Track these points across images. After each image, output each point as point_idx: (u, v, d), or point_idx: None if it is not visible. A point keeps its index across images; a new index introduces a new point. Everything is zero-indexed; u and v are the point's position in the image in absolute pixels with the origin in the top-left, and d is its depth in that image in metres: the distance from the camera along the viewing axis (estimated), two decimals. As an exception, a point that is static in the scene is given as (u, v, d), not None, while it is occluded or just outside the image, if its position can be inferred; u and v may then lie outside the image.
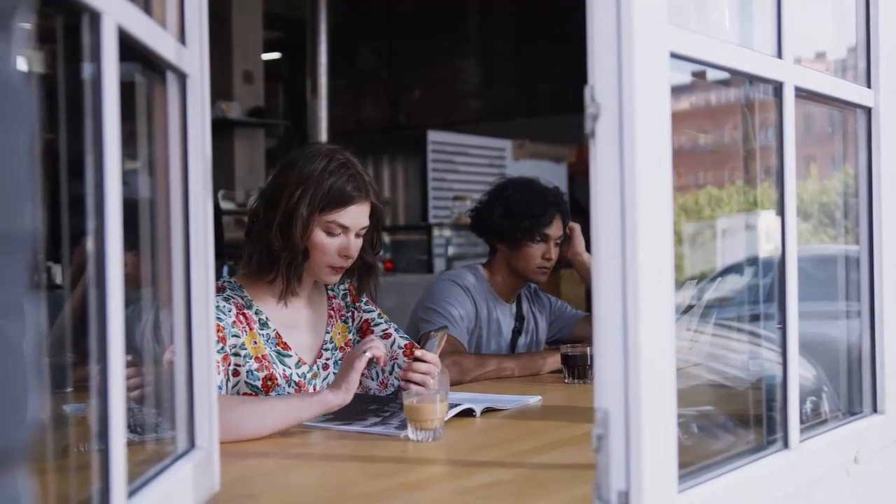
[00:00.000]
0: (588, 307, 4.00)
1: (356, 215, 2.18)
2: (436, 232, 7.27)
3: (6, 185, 0.56)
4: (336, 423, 1.99)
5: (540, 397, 2.36)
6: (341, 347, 2.33)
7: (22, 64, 0.59)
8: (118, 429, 1.01)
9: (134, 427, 1.33)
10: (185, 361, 1.36)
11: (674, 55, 1.24)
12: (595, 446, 1.17)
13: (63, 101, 1.07)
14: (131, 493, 1.09)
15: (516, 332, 3.11)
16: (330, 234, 2.16)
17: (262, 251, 2.18)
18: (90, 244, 1.00)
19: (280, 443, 1.87)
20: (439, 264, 7.13)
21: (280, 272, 2.18)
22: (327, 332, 2.32)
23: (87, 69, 1.01)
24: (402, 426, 1.90)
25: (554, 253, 2.99)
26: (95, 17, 0.98)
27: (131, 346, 1.09)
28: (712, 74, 1.54)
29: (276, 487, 1.59)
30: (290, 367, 2.20)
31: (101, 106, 0.99)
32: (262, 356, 2.16)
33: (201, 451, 1.37)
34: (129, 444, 1.06)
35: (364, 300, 2.41)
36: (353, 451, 1.80)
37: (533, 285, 3.18)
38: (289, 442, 1.88)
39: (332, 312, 2.35)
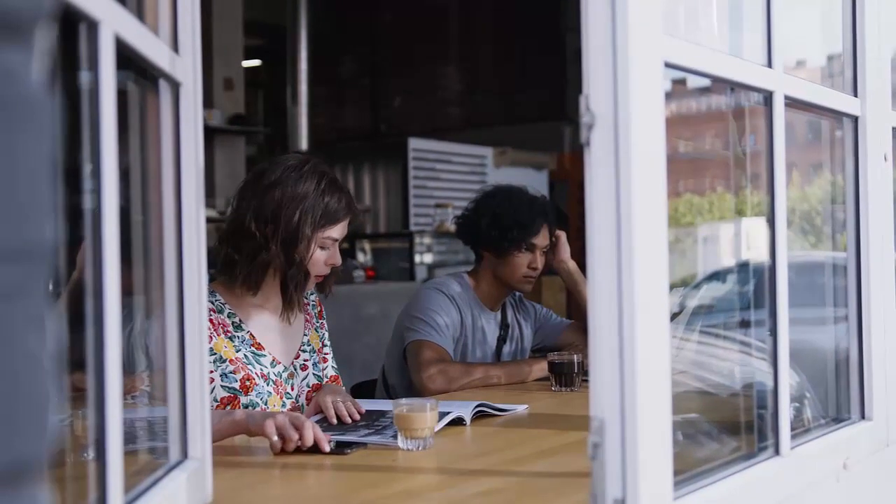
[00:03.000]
0: (570, 314, 4.01)
1: (344, 227, 2.31)
2: (417, 239, 7.25)
3: (28, 197, 0.56)
4: (330, 433, 1.98)
5: (527, 406, 2.36)
6: (318, 350, 2.42)
7: (42, 75, 0.59)
8: (115, 439, 1.01)
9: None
10: (177, 372, 1.35)
11: (668, 65, 1.24)
12: (591, 454, 1.17)
13: (58, 108, 1.06)
14: (127, 505, 1.08)
15: (501, 340, 3.11)
16: (323, 248, 2.27)
17: (260, 268, 2.23)
18: (87, 253, 0.99)
19: (272, 453, 1.86)
20: (421, 272, 7.12)
21: (286, 291, 2.26)
22: (305, 335, 2.40)
23: (83, 77, 1.00)
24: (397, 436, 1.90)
25: (540, 262, 3.00)
26: (93, 26, 0.98)
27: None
28: (692, 82, 1.55)
29: (268, 498, 1.58)
30: (266, 367, 2.25)
31: (98, 114, 0.99)
32: (236, 358, 2.21)
33: (194, 462, 1.36)
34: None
35: (324, 318, 2.52)
36: (344, 460, 1.79)
37: (518, 293, 3.18)
38: (280, 453, 1.87)
39: (307, 317, 2.43)
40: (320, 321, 2.49)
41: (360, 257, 7.26)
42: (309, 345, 2.40)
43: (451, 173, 8.04)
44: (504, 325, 3.13)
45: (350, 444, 1.86)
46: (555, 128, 8.63)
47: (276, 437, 1.79)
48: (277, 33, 8.51)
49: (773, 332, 1.53)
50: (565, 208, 7.32)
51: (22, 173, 0.55)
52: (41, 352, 0.57)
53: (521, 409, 2.34)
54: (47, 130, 0.58)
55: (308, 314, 2.44)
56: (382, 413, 2.17)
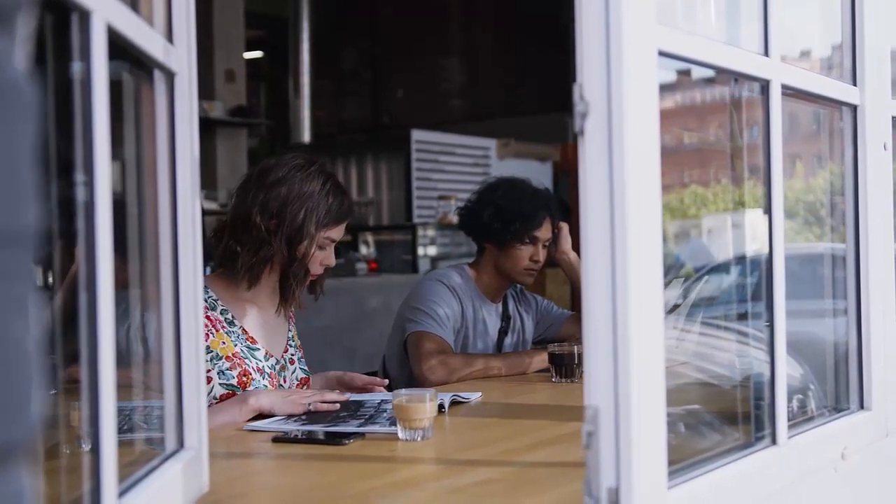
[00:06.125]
0: (573, 306, 4.01)
1: (342, 230, 2.36)
2: (420, 232, 7.25)
3: (11, 183, 0.56)
4: (324, 426, 1.98)
5: (480, 394, 2.37)
6: (300, 346, 2.48)
7: (24, 62, 0.59)
8: (109, 429, 1.01)
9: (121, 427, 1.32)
10: (173, 362, 1.36)
11: (662, 53, 1.24)
12: (585, 443, 1.18)
13: (49, 99, 1.06)
14: (121, 494, 1.08)
15: (503, 332, 3.11)
16: (321, 248, 2.30)
17: (262, 262, 2.26)
18: (80, 246, 0.99)
19: (268, 444, 1.86)
20: (424, 264, 7.12)
21: (286, 286, 2.30)
22: (290, 331, 2.45)
23: (75, 68, 1.00)
24: (394, 422, 1.90)
25: (542, 255, 3.00)
26: (85, 16, 0.98)
27: (117, 348, 1.09)
28: (697, 72, 1.55)
29: (265, 487, 1.59)
30: (260, 361, 2.29)
31: (90, 105, 0.99)
32: (233, 354, 2.25)
33: (190, 452, 1.36)
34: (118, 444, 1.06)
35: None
36: (342, 450, 1.79)
37: (519, 285, 3.18)
38: (276, 443, 1.88)
39: (291, 314, 2.48)
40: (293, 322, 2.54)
41: (363, 250, 7.27)
42: (293, 340, 2.46)
43: (454, 165, 8.04)
44: (506, 317, 3.13)
45: (349, 435, 1.87)
46: (558, 119, 8.62)
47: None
48: (279, 25, 8.51)
49: (770, 322, 1.52)
50: (569, 200, 7.31)
51: (3, 159, 0.56)
52: (25, 336, 0.58)
53: (475, 396, 2.36)
54: (29, 117, 0.59)
55: (291, 312, 2.48)
56: (361, 403, 2.18)
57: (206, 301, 2.25)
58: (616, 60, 1.15)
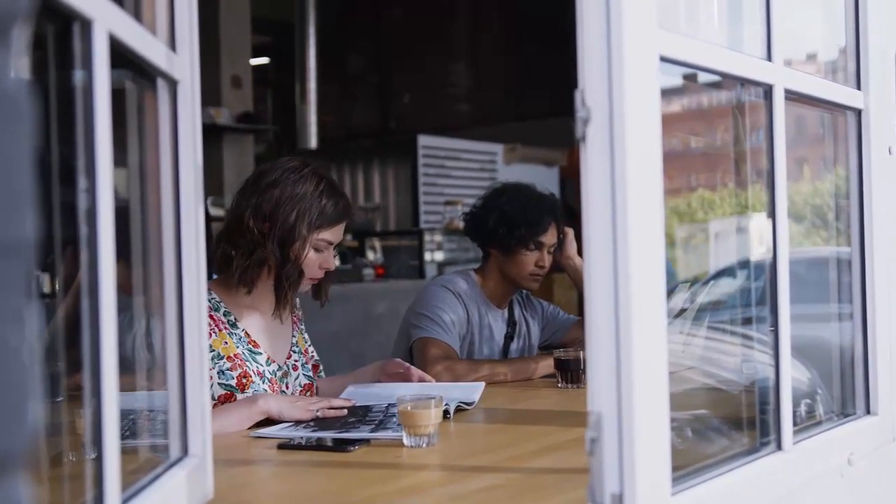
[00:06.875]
0: (580, 312, 4.01)
1: (339, 232, 2.34)
2: (427, 237, 7.24)
3: (7, 193, 0.56)
4: (334, 432, 1.98)
5: (483, 384, 2.40)
6: (304, 352, 2.46)
7: (22, 72, 0.59)
8: (112, 436, 1.01)
9: (125, 434, 1.32)
10: (177, 369, 1.36)
11: (664, 59, 1.24)
12: (588, 449, 1.17)
13: (52, 108, 1.06)
14: (125, 501, 1.09)
15: (508, 338, 3.11)
16: (317, 250, 2.30)
17: (256, 265, 2.26)
18: (83, 253, 1.00)
19: (273, 450, 1.86)
20: (431, 270, 7.12)
21: (279, 288, 2.29)
22: (293, 336, 2.44)
23: (77, 76, 1.01)
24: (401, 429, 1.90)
25: (547, 260, 2.99)
26: (86, 25, 0.98)
27: (122, 355, 1.09)
28: (703, 77, 1.55)
29: (270, 495, 1.59)
30: (262, 365, 2.29)
31: (92, 113, 0.99)
32: (235, 355, 2.25)
33: (194, 459, 1.36)
34: (122, 451, 1.06)
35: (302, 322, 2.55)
36: (347, 457, 1.79)
37: (525, 290, 3.17)
38: (282, 450, 1.88)
39: (295, 320, 2.48)
40: (301, 325, 2.53)
41: (370, 255, 7.26)
42: (297, 346, 2.45)
43: (460, 170, 8.04)
44: (511, 323, 3.12)
45: (353, 441, 1.86)
46: (565, 124, 8.56)
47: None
48: (285, 31, 8.52)
49: (775, 327, 1.52)
50: (576, 205, 7.29)
51: (1, 170, 0.56)
52: (21, 345, 0.58)
53: (479, 385, 2.39)
54: (27, 127, 0.59)
55: (295, 317, 2.48)
56: (369, 409, 2.18)
57: (209, 302, 2.25)
58: (617, 66, 1.15)
